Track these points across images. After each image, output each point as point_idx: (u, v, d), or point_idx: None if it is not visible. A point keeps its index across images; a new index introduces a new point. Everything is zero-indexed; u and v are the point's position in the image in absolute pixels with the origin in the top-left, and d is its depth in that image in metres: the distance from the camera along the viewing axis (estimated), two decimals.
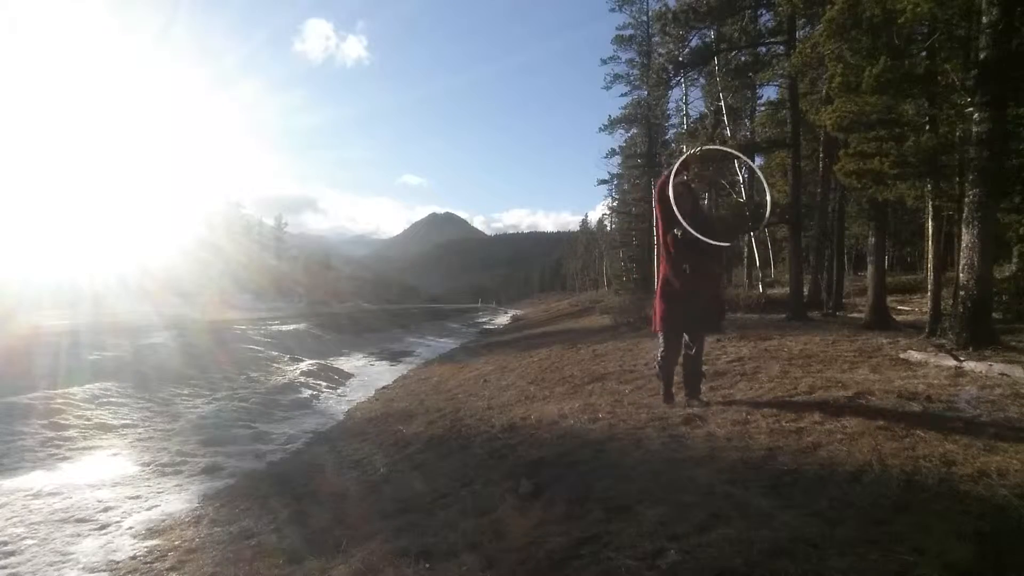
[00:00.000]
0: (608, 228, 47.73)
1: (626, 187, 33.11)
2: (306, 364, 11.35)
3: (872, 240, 9.56)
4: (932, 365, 5.03)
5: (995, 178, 5.98)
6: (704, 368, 4.32)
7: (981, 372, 4.54)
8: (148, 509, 3.86)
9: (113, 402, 7.03)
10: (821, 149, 13.20)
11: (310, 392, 9.00)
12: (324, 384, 9.83)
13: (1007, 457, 2.63)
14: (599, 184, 31.54)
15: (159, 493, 4.22)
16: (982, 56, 5.97)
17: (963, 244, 6.16)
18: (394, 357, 14.78)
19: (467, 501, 2.93)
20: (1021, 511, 2.09)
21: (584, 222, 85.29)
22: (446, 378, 8.69)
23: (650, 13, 23.37)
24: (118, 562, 3.02)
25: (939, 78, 7.08)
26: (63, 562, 3.06)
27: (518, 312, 46.87)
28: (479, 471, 3.42)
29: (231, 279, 37.37)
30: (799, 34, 12.34)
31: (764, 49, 14.25)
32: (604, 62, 25.87)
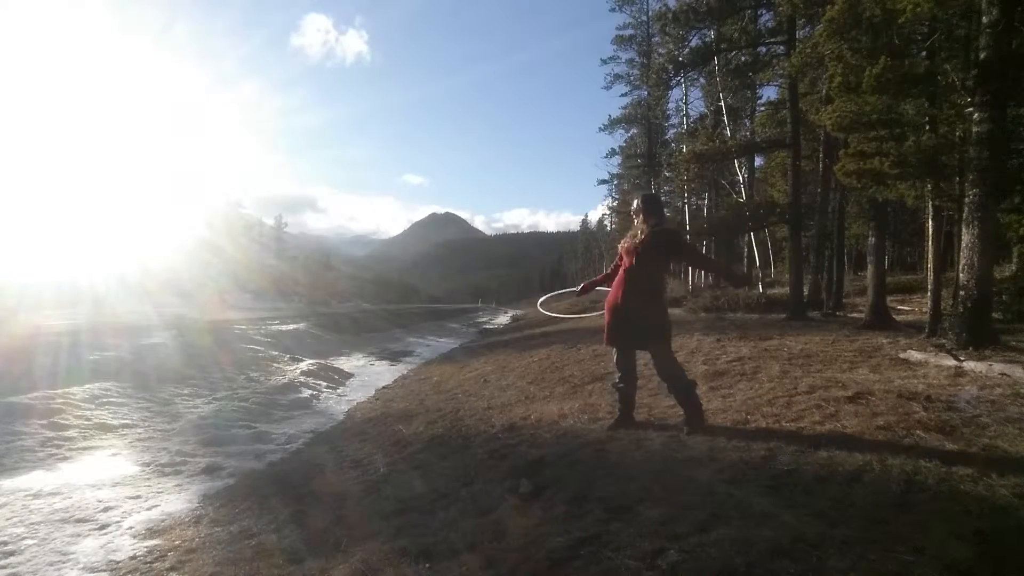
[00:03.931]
0: (608, 228, 47.76)
1: (626, 187, 33.16)
2: (306, 364, 11.34)
3: (872, 240, 9.55)
4: (932, 365, 5.03)
5: (995, 178, 5.98)
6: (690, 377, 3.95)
7: (981, 372, 4.55)
8: (148, 509, 3.86)
9: (113, 402, 7.02)
10: (821, 149, 13.20)
11: (310, 392, 9.00)
12: (324, 384, 9.83)
13: (1007, 457, 2.64)
14: (599, 184, 31.62)
15: (159, 493, 4.22)
16: (982, 56, 5.97)
17: (963, 244, 6.16)
18: (394, 357, 14.76)
19: (467, 501, 2.93)
20: (1021, 511, 2.09)
21: (584, 222, 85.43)
22: (446, 378, 8.69)
23: (650, 13, 23.42)
24: (118, 562, 3.02)
25: (939, 78, 7.08)
26: (63, 562, 3.06)
27: (518, 312, 46.82)
28: (479, 471, 3.42)
29: (231, 279, 37.33)
30: (799, 34, 12.33)
31: (764, 49, 14.27)
32: (604, 62, 25.93)
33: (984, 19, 5.94)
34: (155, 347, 10.44)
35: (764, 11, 14.31)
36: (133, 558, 3.04)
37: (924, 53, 7.66)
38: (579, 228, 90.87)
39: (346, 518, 3.10)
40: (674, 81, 16.09)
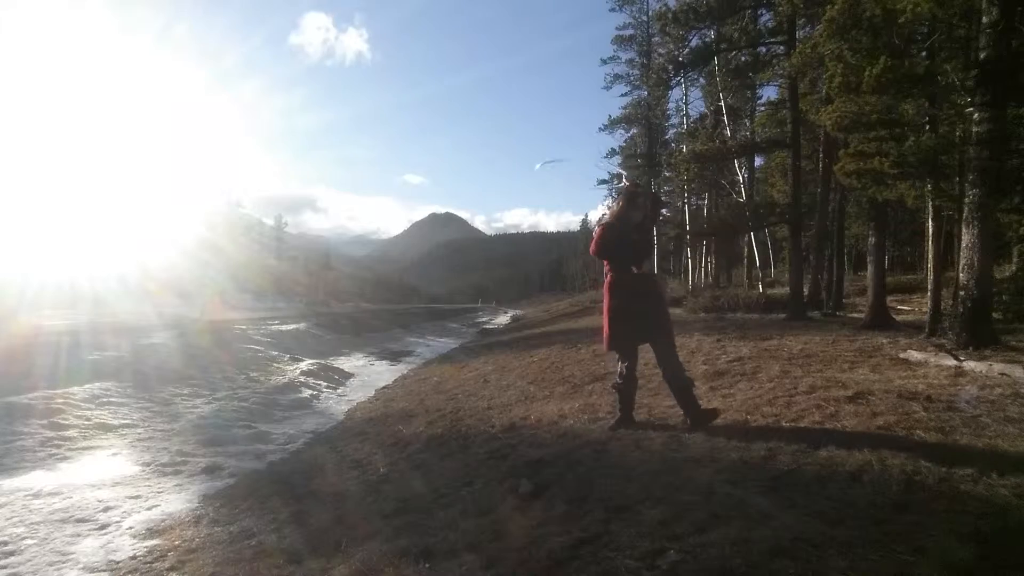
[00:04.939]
0: None
1: (625, 182, 33.10)
2: (306, 364, 11.35)
3: (872, 240, 9.54)
4: (932, 365, 5.03)
5: (995, 178, 5.97)
6: (689, 375, 3.94)
7: (981, 372, 4.54)
8: (148, 509, 3.86)
9: (113, 402, 7.02)
10: (821, 149, 13.20)
11: (310, 392, 9.01)
12: (324, 384, 9.83)
13: (1007, 457, 2.63)
14: (599, 184, 31.53)
15: (159, 493, 4.22)
16: (982, 56, 5.97)
17: (963, 244, 6.16)
18: (394, 357, 14.77)
19: (467, 501, 2.93)
20: (1021, 511, 2.09)
21: (585, 222, 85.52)
22: (446, 378, 8.69)
23: (650, 13, 23.39)
24: (118, 562, 3.02)
25: (939, 78, 7.07)
26: (63, 562, 3.06)
27: (518, 312, 46.88)
28: (479, 471, 3.42)
29: (231, 279, 37.36)
30: (799, 34, 12.33)
31: (764, 49, 14.25)
32: (604, 62, 25.88)
33: (984, 19, 5.93)
34: (155, 347, 10.45)
35: (764, 11, 14.29)
36: (133, 558, 3.04)
37: (924, 53, 7.65)
38: (579, 228, 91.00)
39: (346, 518, 3.10)
40: (674, 81, 16.07)
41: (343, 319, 23.51)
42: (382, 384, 9.66)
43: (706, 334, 8.22)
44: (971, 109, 6.25)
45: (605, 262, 3.85)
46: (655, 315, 3.71)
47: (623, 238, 3.75)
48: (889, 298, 10.76)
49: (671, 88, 17.24)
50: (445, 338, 22.32)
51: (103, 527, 3.55)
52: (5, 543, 3.28)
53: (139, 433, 6.09)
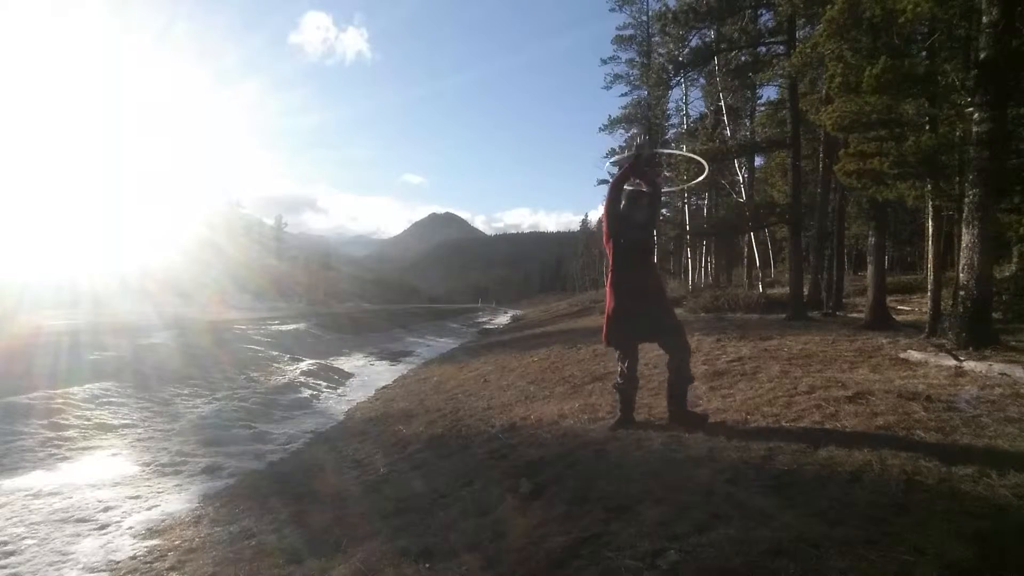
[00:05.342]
0: None
1: (626, 187, 33.12)
2: (306, 364, 11.35)
3: (872, 240, 9.54)
4: (932, 365, 5.03)
5: (995, 178, 5.97)
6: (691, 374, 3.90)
7: (981, 372, 4.54)
8: (148, 509, 3.86)
9: (113, 402, 7.02)
10: (821, 149, 13.20)
11: (310, 392, 9.00)
12: (324, 384, 9.83)
13: (1007, 457, 2.63)
14: (599, 184, 31.53)
15: (159, 493, 4.22)
16: (982, 56, 5.97)
17: (963, 244, 6.16)
18: (394, 357, 14.76)
19: (467, 501, 2.93)
20: (1021, 511, 2.09)
21: (585, 222, 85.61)
22: (446, 378, 8.70)
23: (650, 13, 23.43)
24: (118, 562, 3.02)
25: (939, 78, 7.07)
26: (63, 562, 3.06)
27: (518, 312, 46.87)
28: (479, 471, 3.42)
29: (231, 279, 37.39)
30: (799, 34, 12.33)
31: (764, 49, 14.24)
32: (604, 62, 25.94)
33: (984, 19, 5.93)
34: (155, 347, 10.45)
35: (764, 11, 14.29)
36: (133, 558, 3.05)
37: (924, 53, 7.66)
38: (579, 228, 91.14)
39: (346, 518, 3.10)
40: (674, 81, 16.08)
41: (343, 319, 23.50)
42: (382, 384, 9.66)
43: (706, 334, 8.22)
44: (971, 109, 6.24)
45: (608, 261, 3.86)
46: (658, 313, 3.71)
47: (623, 237, 3.75)
48: (889, 298, 10.75)
49: (671, 88, 17.26)
50: (445, 338, 22.30)
51: (103, 527, 3.55)
52: (5, 543, 3.28)
53: (139, 433, 6.09)
